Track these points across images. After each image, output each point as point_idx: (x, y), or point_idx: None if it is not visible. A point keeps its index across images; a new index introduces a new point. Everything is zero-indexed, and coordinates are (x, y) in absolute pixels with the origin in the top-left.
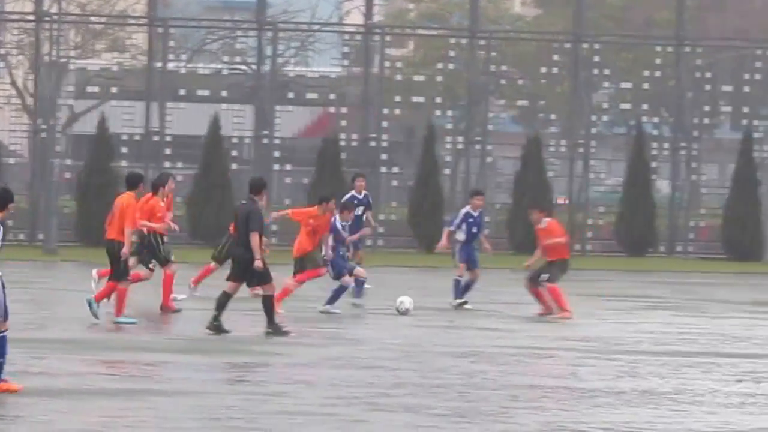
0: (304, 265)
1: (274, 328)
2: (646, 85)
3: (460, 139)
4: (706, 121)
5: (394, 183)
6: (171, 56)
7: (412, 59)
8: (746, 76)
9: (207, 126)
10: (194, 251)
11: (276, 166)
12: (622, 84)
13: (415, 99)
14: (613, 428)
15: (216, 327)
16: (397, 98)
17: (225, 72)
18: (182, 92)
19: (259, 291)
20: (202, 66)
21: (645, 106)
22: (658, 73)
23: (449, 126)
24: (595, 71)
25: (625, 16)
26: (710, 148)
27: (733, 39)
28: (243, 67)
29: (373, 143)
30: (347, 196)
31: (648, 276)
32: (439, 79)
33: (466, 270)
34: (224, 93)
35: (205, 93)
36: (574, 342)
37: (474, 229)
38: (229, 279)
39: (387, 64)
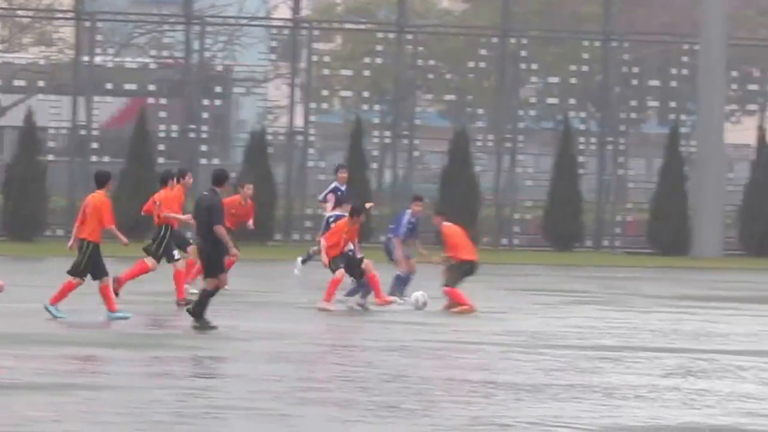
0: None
1: (202, 323)
2: (573, 80)
3: (388, 133)
4: (633, 115)
5: (321, 177)
6: (98, 50)
7: (339, 53)
8: (673, 71)
9: (134, 119)
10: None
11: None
12: (549, 79)
13: (343, 93)
14: (539, 423)
15: (200, 324)
16: (325, 92)
17: (152, 66)
18: (109, 86)
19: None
20: (129, 60)
21: (572, 101)
22: (585, 68)
23: (376, 120)
24: (523, 66)
25: (553, 11)
26: (637, 143)
27: (660, 34)
28: (170, 61)
29: (300, 137)
30: (330, 186)
31: (575, 270)
32: (366, 73)
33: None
34: (151, 87)
35: (132, 87)
36: (501, 336)
37: (411, 232)
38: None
39: (314, 58)
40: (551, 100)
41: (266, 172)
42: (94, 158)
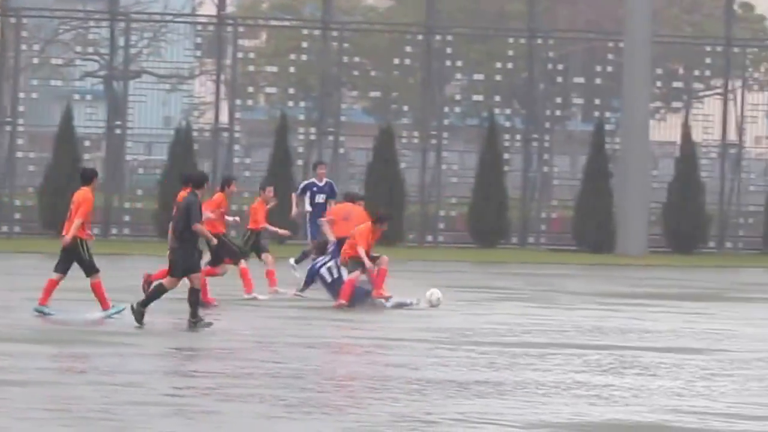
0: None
1: (197, 320)
2: (498, 77)
3: (313, 130)
4: (558, 113)
5: (247, 174)
6: (24, 46)
7: (264, 50)
8: (598, 68)
9: (59, 116)
10: (47, 241)
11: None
12: (474, 76)
13: (269, 90)
14: (464, 419)
15: (194, 323)
16: (250, 89)
17: (78, 62)
18: (35, 82)
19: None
20: (55, 56)
21: (497, 98)
22: (510, 65)
23: (302, 117)
24: (448, 63)
25: (478, 7)
26: (562, 140)
27: (585, 31)
28: (96, 57)
29: (226, 134)
30: (306, 182)
31: (500, 267)
32: (291, 70)
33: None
34: (77, 83)
35: (58, 83)
36: (426, 333)
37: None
38: (170, 275)
39: (240, 55)
40: (476, 97)
41: (192, 169)
42: (19, 155)
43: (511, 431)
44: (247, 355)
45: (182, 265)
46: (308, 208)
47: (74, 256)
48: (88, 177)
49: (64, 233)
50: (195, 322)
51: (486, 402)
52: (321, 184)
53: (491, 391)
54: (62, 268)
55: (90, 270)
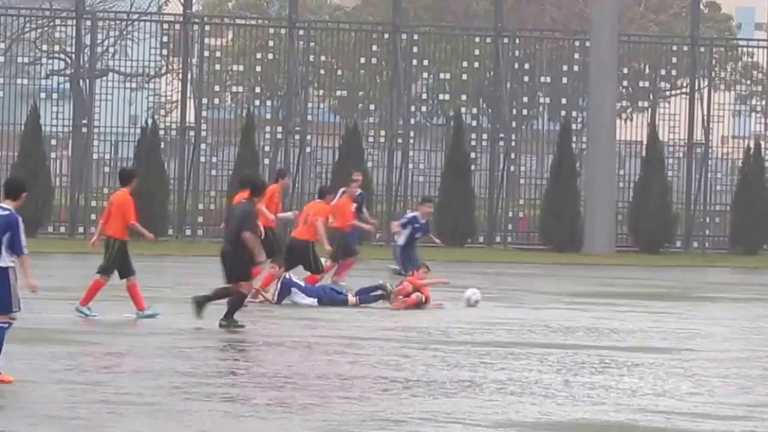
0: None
1: (231, 322)
2: (464, 76)
3: (279, 129)
4: (525, 112)
5: (213, 173)
6: None
7: (231, 49)
8: (564, 68)
9: (26, 115)
10: None
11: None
12: (440, 75)
13: (235, 89)
14: (432, 418)
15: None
16: (216, 88)
17: (44, 61)
18: (0, 80)
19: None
20: (21, 55)
21: (464, 97)
22: (476, 64)
23: (268, 116)
24: (414, 62)
25: (444, 6)
26: (528, 139)
27: (551, 30)
28: (62, 56)
29: (192, 132)
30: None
31: (466, 266)
32: (258, 69)
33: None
34: (44, 82)
35: (24, 82)
36: (394, 332)
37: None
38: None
39: (206, 53)
40: (443, 96)
41: (159, 167)
42: None
43: (479, 431)
44: (217, 354)
45: (234, 270)
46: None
47: (120, 255)
48: (126, 178)
49: (100, 234)
50: (227, 323)
51: (454, 401)
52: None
53: (459, 390)
54: (127, 270)
55: (125, 271)
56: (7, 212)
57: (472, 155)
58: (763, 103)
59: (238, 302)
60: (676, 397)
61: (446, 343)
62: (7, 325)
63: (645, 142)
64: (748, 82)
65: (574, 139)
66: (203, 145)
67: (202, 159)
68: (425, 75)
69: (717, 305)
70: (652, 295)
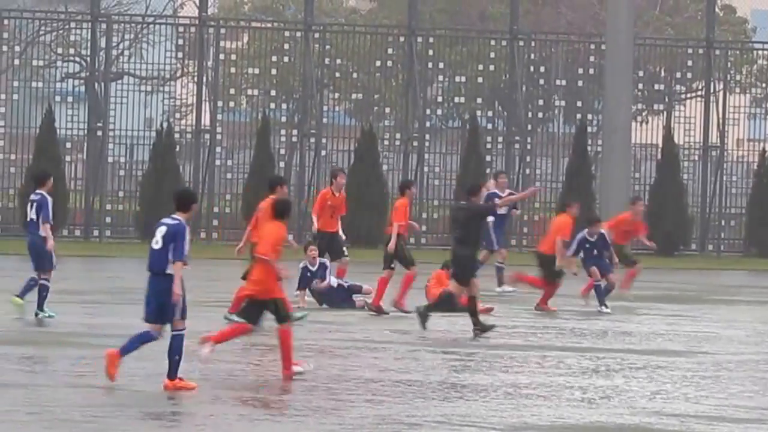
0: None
1: (482, 327)
2: (480, 79)
3: (295, 132)
4: (540, 115)
5: (229, 176)
6: (4, 48)
7: (246, 52)
8: (580, 71)
9: (40, 118)
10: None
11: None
12: (456, 78)
13: (250, 92)
14: (447, 422)
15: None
16: (232, 91)
17: (59, 64)
18: (15, 84)
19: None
20: (36, 58)
21: (479, 100)
22: (492, 67)
23: (283, 119)
24: (429, 65)
25: (459, 9)
26: (544, 142)
27: (567, 33)
28: (77, 59)
29: (207, 135)
30: (488, 192)
31: (483, 269)
32: (273, 72)
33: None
34: (59, 85)
35: (39, 85)
36: (409, 336)
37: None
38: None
39: (221, 56)
40: (458, 99)
41: (174, 170)
42: (0, 156)
43: None
44: (229, 358)
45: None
46: (490, 217)
47: None
48: (273, 185)
49: (247, 240)
50: (423, 317)
51: (468, 404)
52: (503, 195)
53: (474, 393)
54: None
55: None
56: (176, 222)
57: (488, 158)
58: None
59: (475, 307)
60: (691, 400)
61: (461, 346)
62: (182, 332)
63: (660, 145)
64: (764, 85)
65: (589, 141)
66: (218, 149)
67: (218, 162)
68: (440, 78)
69: (732, 308)
70: (667, 298)
